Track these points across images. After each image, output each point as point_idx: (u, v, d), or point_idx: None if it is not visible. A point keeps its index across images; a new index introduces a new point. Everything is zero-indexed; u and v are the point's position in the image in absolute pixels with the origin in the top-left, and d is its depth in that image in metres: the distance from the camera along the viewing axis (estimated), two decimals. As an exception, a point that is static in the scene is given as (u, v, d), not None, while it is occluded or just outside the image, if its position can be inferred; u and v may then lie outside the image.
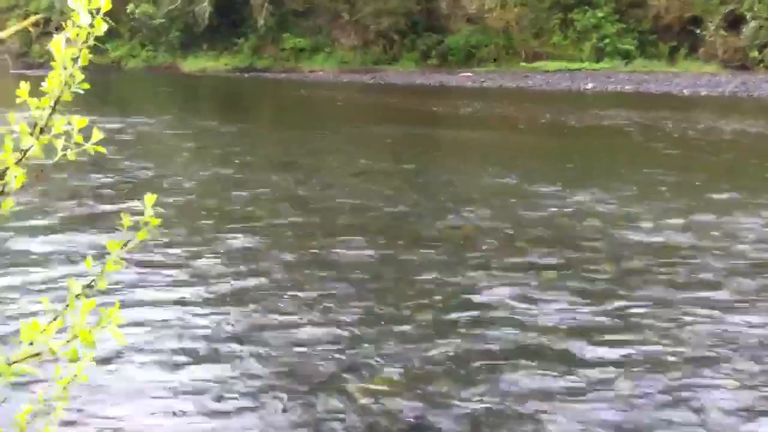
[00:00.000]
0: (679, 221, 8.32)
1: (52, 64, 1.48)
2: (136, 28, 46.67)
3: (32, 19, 48.57)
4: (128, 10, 44.12)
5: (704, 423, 3.94)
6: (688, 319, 5.38)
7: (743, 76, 32.14)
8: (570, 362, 4.65)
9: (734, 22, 35.13)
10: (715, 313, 5.51)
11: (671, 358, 4.72)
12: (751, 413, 4.04)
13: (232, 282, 6.20)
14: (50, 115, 1.43)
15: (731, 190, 10.05)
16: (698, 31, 35.91)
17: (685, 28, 36.60)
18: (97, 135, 1.46)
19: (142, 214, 1.53)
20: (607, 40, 37.50)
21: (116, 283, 5.77)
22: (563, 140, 16.90)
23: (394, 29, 41.82)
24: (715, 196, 9.75)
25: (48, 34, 46.05)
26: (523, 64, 38.71)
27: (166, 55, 46.81)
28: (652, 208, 9.03)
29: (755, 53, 34.25)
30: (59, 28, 1.57)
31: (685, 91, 29.70)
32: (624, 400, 4.18)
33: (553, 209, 8.98)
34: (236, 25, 45.26)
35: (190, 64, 45.24)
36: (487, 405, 4.12)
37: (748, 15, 34.71)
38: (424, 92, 30.83)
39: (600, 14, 37.85)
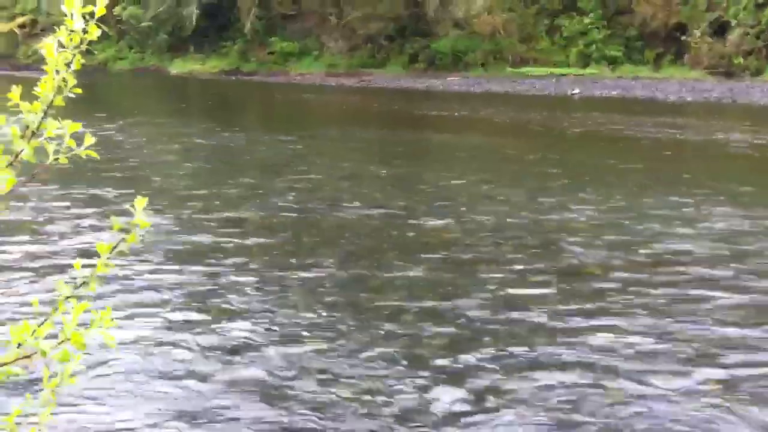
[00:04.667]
0: (664, 227, 8.39)
1: (45, 68, 1.49)
2: (124, 31, 46.53)
3: (19, 20, 48.32)
4: (115, 13, 43.96)
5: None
6: (671, 321, 5.43)
7: (728, 83, 32.41)
8: (553, 364, 4.68)
9: (720, 29, 35.41)
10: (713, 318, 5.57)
11: (659, 358, 4.76)
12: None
13: (219, 283, 6.20)
14: (43, 119, 1.44)
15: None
16: (684, 38, 36.17)
17: (671, 35, 36.85)
18: (89, 140, 1.47)
19: (131, 216, 1.55)
20: (593, 46, 37.73)
21: (99, 287, 5.76)
22: (549, 144, 16.96)
23: (382, 34, 41.87)
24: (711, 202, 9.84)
25: (34, 36, 45.88)
26: (510, 69, 38.83)
27: (154, 58, 46.69)
28: (635, 212, 9.09)
29: (740, 60, 34.54)
30: (46, 30, 1.58)
31: (671, 96, 29.89)
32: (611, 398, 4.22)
33: (537, 213, 9.03)
34: (224, 29, 45.20)
35: (178, 67, 45.14)
36: (473, 405, 4.15)
37: (733, 22, 35.01)
38: (411, 96, 30.88)
39: (587, 20, 38.07)
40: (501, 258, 7.12)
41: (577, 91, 32.34)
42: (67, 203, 9.26)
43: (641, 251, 7.38)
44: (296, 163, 13.09)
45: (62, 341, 1.40)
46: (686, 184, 11.41)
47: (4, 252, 6.97)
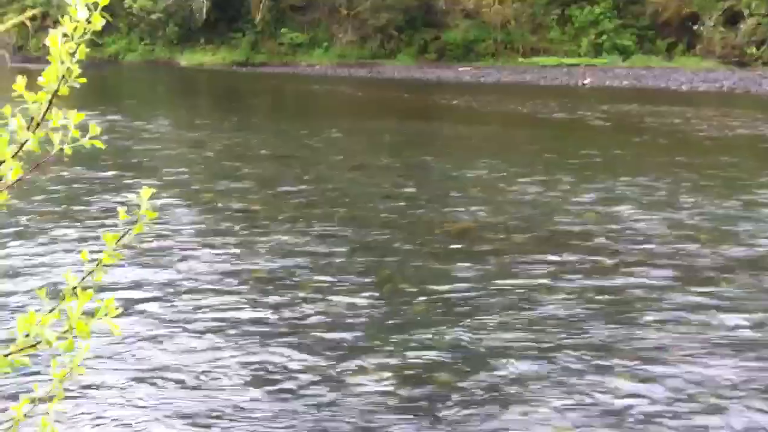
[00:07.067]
0: (670, 213, 8.36)
1: (49, 58, 1.48)
2: (134, 23, 46.58)
3: (30, 12, 48.47)
4: (126, 5, 44.00)
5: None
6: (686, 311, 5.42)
7: (741, 73, 32.17)
8: (565, 352, 4.67)
9: (732, 19, 35.15)
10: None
11: (676, 345, 4.75)
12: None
13: (229, 272, 6.21)
14: (47, 109, 1.44)
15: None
16: (696, 28, 35.92)
17: (683, 25, 36.59)
18: (95, 130, 1.47)
19: (139, 206, 1.54)
20: (605, 36, 37.51)
21: (110, 275, 5.79)
22: (560, 134, 16.89)
23: (392, 24, 41.75)
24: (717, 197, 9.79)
25: (46, 28, 45.98)
26: (521, 59, 38.68)
27: (164, 50, 46.73)
28: (647, 202, 9.05)
29: (753, 50, 34.28)
30: (57, 22, 1.58)
31: (683, 86, 29.71)
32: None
33: (550, 203, 9.00)
34: (234, 20, 45.17)
35: (188, 59, 45.17)
36: (483, 393, 4.14)
37: (746, 12, 34.74)
38: (422, 87, 30.81)
39: (598, 10, 37.84)
40: (513, 247, 7.11)
41: (588, 81, 32.17)
42: (75, 193, 9.30)
43: (648, 246, 7.37)
44: (307, 153, 13.08)
45: (66, 331, 1.40)
46: (699, 178, 11.34)
47: (11, 241, 7.00)
